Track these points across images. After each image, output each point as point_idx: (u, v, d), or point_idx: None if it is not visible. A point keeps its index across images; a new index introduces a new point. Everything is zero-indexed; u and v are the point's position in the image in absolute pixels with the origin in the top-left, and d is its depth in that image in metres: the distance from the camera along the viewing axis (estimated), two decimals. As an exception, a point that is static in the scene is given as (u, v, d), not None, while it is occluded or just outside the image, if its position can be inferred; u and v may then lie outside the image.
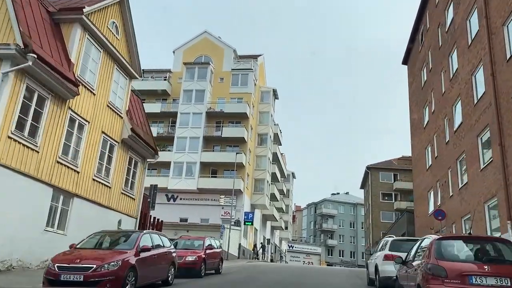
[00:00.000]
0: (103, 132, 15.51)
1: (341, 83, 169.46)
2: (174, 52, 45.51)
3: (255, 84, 44.59)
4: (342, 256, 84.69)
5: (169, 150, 41.25)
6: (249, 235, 42.21)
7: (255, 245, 43.47)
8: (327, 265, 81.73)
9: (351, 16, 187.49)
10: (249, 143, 41.99)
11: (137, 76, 17.77)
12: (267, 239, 52.92)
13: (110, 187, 16.06)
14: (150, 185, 20.24)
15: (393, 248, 10.86)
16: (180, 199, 40.39)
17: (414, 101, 28.97)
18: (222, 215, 38.80)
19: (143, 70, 46.01)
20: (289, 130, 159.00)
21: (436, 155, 22.78)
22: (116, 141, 16.43)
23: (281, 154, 58.98)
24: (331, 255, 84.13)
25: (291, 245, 79.47)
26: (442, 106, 21.69)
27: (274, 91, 47.56)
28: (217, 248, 16.82)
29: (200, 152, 40.25)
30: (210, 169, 40.78)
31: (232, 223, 35.58)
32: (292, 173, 69.12)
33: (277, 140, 51.84)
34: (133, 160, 17.93)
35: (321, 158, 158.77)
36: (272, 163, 49.32)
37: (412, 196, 57.54)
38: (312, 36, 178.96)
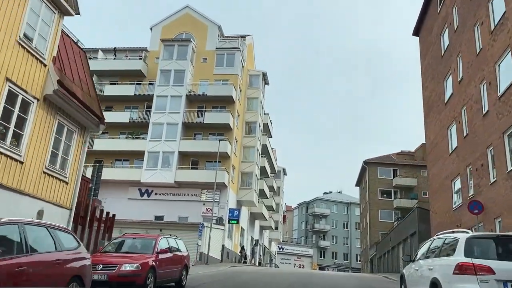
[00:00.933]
0: (8, 80, 10.47)
1: (338, 83, 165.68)
2: (151, 29, 40.43)
3: (242, 66, 39.71)
4: (335, 259, 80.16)
5: (143, 138, 36.16)
6: (234, 235, 37.28)
7: (242, 247, 38.67)
8: (319, 268, 77.13)
9: (348, 17, 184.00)
10: (235, 131, 37.07)
11: (71, 11, 12.71)
12: (255, 240, 48.06)
13: (22, 163, 11.04)
14: (94, 164, 15.22)
15: (471, 251, 6.04)
16: (156, 194, 35.31)
17: (429, 75, 24.38)
18: (203, 213, 33.82)
19: (115, 48, 40.99)
20: (282, 129, 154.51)
21: (465, 134, 18.14)
22: (34, 97, 11.40)
23: (272, 149, 54.26)
24: (323, 257, 79.55)
25: (281, 247, 74.82)
26: (476, 70, 17.05)
27: (264, 75, 42.71)
28: (180, 251, 11.88)
29: (179, 140, 35.20)
30: (190, 160, 35.77)
31: (214, 221, 30.66)
32: (283, 169, 64.26)
33: (267, 131, 46.99)
34: (65, 129, 12.89)
35: (313, 159, 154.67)
36: (262, 156, 44.49)
37: (414, 193, 53.03)
38: (311, 35, 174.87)
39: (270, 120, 49.29)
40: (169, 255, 10.67)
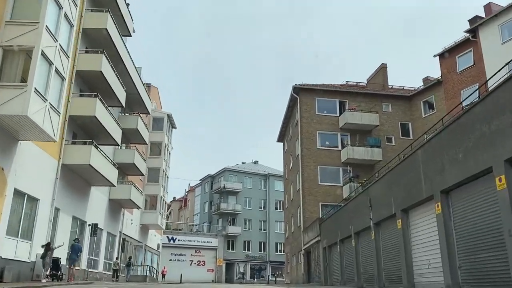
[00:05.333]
0: None
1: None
2: None
3: None
4: (248, 250, 59.31)
5: None
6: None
7: (46, 245, 15.83)
8: (226, 264, 55.67)
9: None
10: None
11: None
12: (91, 225, 24.43)
13: None
14: None
15: None
16: None
17: None
18: None
19: None
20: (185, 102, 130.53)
21: None
22: None
23: (148, 85, 31.36)
24: (232, 248, 58.14)
25: (171, 238, 51.95)
26: None
27: None
28: None
29: None
30: None
31: None
32: (167, 116, 40.40)
33: None
34: None
35: (223, 127, 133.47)
36: (101, 52, 21.19)
37: (375, 138, 26.10)
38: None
39: None
40: None
